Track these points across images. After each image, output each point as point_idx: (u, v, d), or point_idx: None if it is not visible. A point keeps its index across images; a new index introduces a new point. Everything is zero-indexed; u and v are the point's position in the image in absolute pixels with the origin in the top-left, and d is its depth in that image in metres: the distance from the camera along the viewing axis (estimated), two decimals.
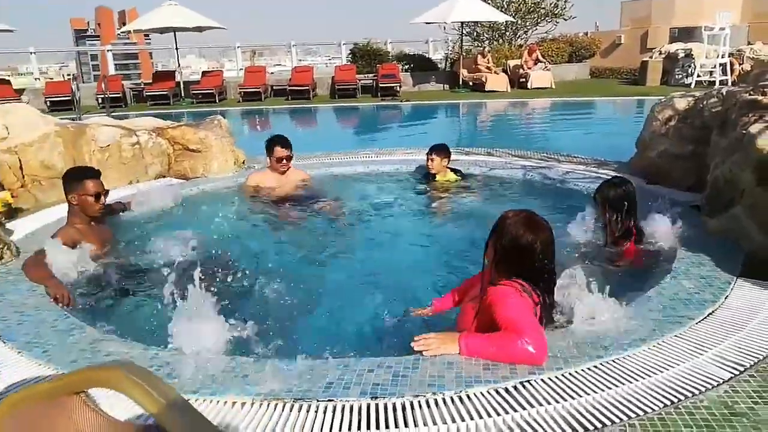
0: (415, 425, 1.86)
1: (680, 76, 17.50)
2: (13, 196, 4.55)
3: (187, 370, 2.20)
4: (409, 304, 3.02)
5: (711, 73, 16.25)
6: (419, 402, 1.98)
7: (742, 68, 16.68)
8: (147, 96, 17.25)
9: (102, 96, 15.19)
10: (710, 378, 2.06)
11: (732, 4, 20.43)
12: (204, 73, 19.11)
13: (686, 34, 19.85)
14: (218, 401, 2.02)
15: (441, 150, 5.42)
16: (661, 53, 18.53)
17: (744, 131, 3.27)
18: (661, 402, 1.93)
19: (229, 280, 2.98)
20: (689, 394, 1.97)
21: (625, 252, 3.52)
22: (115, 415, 0.88)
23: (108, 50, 22.43)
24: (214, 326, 2.41)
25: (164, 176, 5.69)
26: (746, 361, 2.16)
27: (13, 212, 4.46)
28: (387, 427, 1.86)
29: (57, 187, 4.97)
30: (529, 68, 18.05)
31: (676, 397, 1.96)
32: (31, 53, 20.13)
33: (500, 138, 10.75)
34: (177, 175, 5.68)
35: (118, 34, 23.36)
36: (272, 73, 23.80)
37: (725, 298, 2.70)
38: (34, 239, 3.87)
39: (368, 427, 1.86)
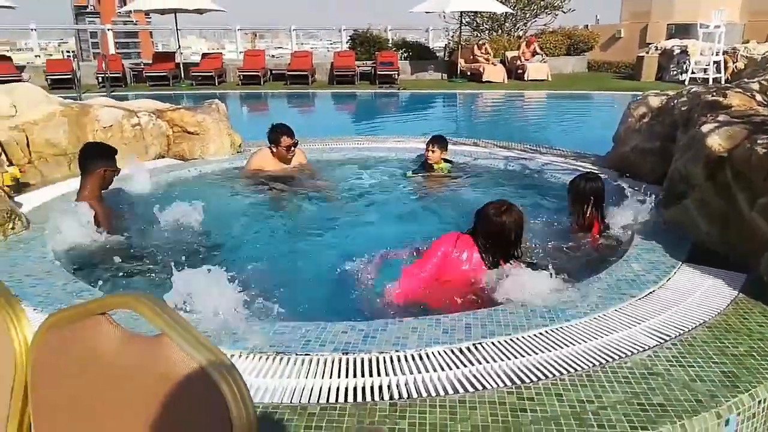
0: (378, 375, 2.17)
1: (675, 72, 17.73)
2: (21, 172, 4.82)
3: None
4: (390, 275, 3.31)
5: (705, 70, 16.50)
6: (384, 357, 2.29)
7: (735, 66, 16.93)
8: (147, 76, 17.43)
9: (102, 75, 15.39)
10: (637, 345, 2.37)
11: (730, 2, 20.62)
12: (204, 56, 19.27)
13: (683, 30, 20.06)
14: None
15: (440, 142, 5.69)
16: (657, 49, 18.75)
17: (698, 129, 3.57)
18: (591, 363, 2.24)
19: (221, 251, 3.28)
20: (616, 358, 2.28)
21: (588, 240, 3.84)
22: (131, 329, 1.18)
23: (108, 29, 22.52)
24: (208, 290, 2.70)
25: (163, 157, 5.96)
26: (672, 332, 2.47)
27: (21, 187, 4.74)
28: (354, 376, 2.17)
29: (61, 164, 5.28)
30: (527, 60, 18.27)
31: (604, 359, 2.27)
32: (32, 30, 20.25)
33: (491, 128, 11.04)
34: (175, 156, 5.96)
35: (118, 13, 23.35)
36: (273, 56, 23.97)
37: (667, 280, 3.01)
38: (42, 211, 4.17)
39: (338, 376, 2.17)
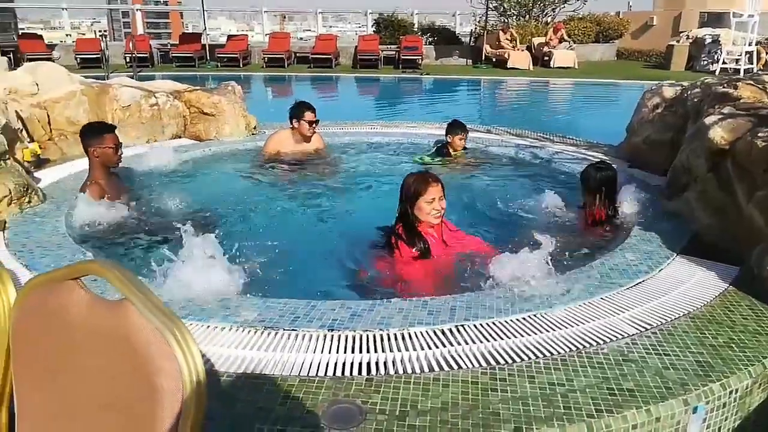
0: (360, 352, 2.25)
1: (706, 62, 17.30)
2: (41, 148, 5.00)
3: (181, 300, 2.61)
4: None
5: (737, 60, 16.07)
6: (368, 335, 2.37)
7: None
8: (173, 57, 17.66)
9: (130, 55, 15.65)
10: (616, 332, 2.41)
11: None
12: (229, 37, 19.43)
13: (716, 19, 19.52)
14: (203, 325, 2.43)
15: (465, 129, 5.71)
16: (688, 38, 18.31)
17: (702, 121, 3.54)
18: (567, 348, 2.29)
19: (224, 228, 3.40)
20: (594, 344, 2.32)
21: (594, 229, 3.84)
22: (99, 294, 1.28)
23: (137, 9, 22.81)
24: (205, 264, 2.81)
25: (180, 137, 6.10)
26: (653, 321, 2.50)
27: (40, 162, 4.91)
28: (337, 352, 2.26)
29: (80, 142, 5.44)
30: (554, 47, 18.01)
31: (581, 345, 2.32)
32: (63, 9, 20.63)
33: (511, 116, 10.97)
34: (191, 137, 6.09)
35: None
36: (301, 38, 24.05)
37: (659, 270, 3.03)
38: (59, 187, 4.34)
39: (322, 351, 2.26)
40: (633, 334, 2.40)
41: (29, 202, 3.89)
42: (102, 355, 1.20)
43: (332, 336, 2.37)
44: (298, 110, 5.49)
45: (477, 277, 3.02)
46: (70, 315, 1.26)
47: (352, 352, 2.27)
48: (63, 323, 1.26)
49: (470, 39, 20.93)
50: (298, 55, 18.58)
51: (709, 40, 17.51)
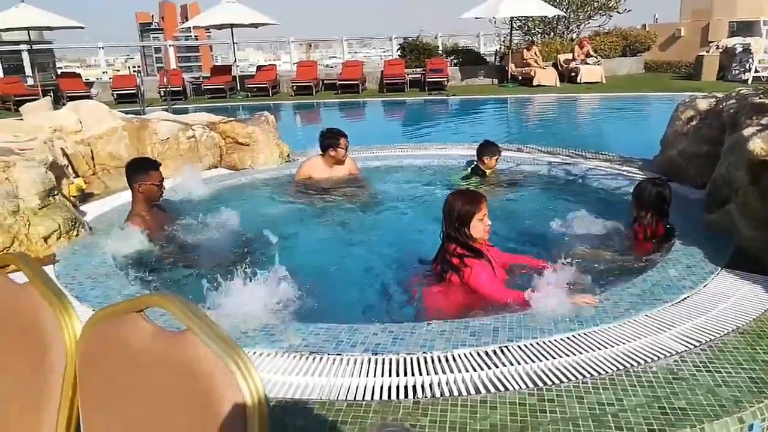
0: (405, 375, 2.27)
1: (737, 71, 17.02)
2: (86, 183, 5.18)
3: (226, 328, 2.67)
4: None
5: None
6: (412, 358, 2.39)
7: None
8: (205, 89, 18.13)
9: (164, 89, 16.13)
10: (665, 350, 2.37)
11: None
12: (258, 68, 19.86)
13: (746, 28, 19.24)
14: (249, 352, 2.48)
15: (497, 149, 5.66)
16: (718, 47, 18.06)
17: (740, 133, 3.50)
18: (615, 367, 2.27)
19: (265, 255, 3.46)
20: (642, 362, 2.30)
21: (642, 247, 3.74)
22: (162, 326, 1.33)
23: (170, 45, 23.55)
24: (252, 295, 2.87)
25: (216, 167, 6.25)
26: (701, 338, 2.45)
27: (85, 197, 5.08)
28: (382, 375, 2.28)
29: (123, 175, 5.61)
30: (580, 63, 17.95)
31: (630, 363, 2.29)
32: (99, 48, 21.43)
33: (539, 133, 10.92)
34: (227, 166, 6.24)
35: (180, 29, 24.48)
36: (327, 65, 24.46)
37: (704, 285, 2.98)
38: (104, 219, 4.49)
39: (367, 375, 2.28)
40: (681, 352, 2.36)
41: (77, 235, 4.03)
42: (165, 383, 1.24)
43: (376, 359, 2.39)
44: (333, 139, 5.54)
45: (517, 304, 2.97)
46: (134, 346, 1.31)
47: (397, 375, 2.28)
48: (127, 354, 1.32)
49: (495, 58, 21.00)
50: (325, 82, 18.89)
51: (739, 49, 17.25)
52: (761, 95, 4.15)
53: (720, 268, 3.17)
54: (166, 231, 4.15)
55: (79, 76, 18.66)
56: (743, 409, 1.97)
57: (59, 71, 21.77)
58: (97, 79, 20.71)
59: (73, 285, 3.29)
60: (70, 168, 5.11)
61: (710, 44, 18.90)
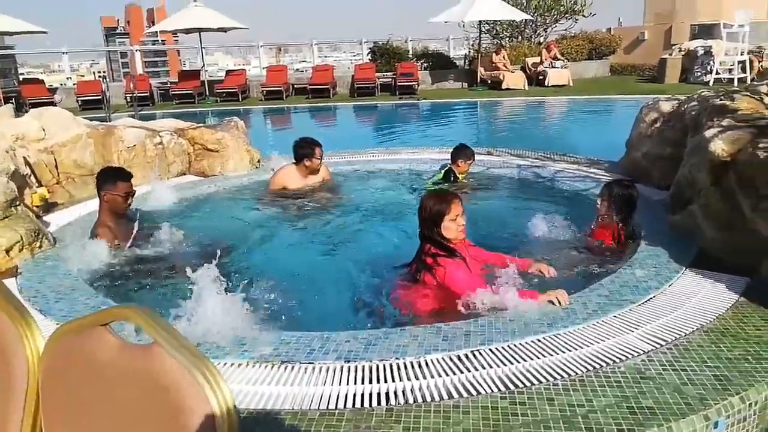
0: (377, 382, 2.26)
1: (699, 73, 17.45)
2: (49, 192, 5.06)
3: (196, 339, 2.63)
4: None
5: (730, 70, 16.23)
6: (384, 365, 2.39)
7: (762, 66, 16.65)
8: (173, 95, 17.88)
9: (130, 95, 15.86)
10: (632, 350, 2.42)
11: (756, 1, 20.23)
12: (227, 72, 19.68)
13: (706, 30, 19.77)
14: (220, 363, 2.44)
15: (471, 153, 5.68)
16: (680, 50, 18.51)
17: (702, 135, 3.59)
18: (585, 368, 2.30)
19: (234, 264, 3.42)
20: (610, 362, 2.33)
21: (603, 248, 3.82)
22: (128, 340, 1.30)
23: (136, 50, 23.18)
24: (219, 302, 2.82)
25: (185, 174, 6.17)
26: (668, 337, 2.51)
27: (49, 206, 4.96)
28: (355, 383, 2.27)
29: (88, 184, 5.50)
30: (547, 66, 18.22)
31: (599, 364, 2.33)
32: (63, 53, 20.98)
33: (509, 136, 11.05)
34: (196, 173, 6.16)
35: (146, 33, 24.10)
36: (297, 70, 24.35)
37: (669, 285, 3.05)
38: (69, 230, 4.38)
39: (339, 383, 2.27)
40: (648, 351, 2.41)
41: (40, 246, 3.93)
42: (132, 397, 1.22)
43: (349, 367, 2.38)
44: (308, 149, 5.50)
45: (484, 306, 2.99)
46: (99, 360, 1.28)
47: (370, 382, 2.28)
48: (93, 368, 1.29)
49: (464, 62, 21.18)
50: (295, 86, 18.80)
51: (701, 52, 17.70)
52: (722, 97, 4.27)
53: (684, 268, 3.25)
54: (133, 241, 4.07)
55: (42, 82, 18.24)
56: (708, 406, 2.02)
57: (21, 77, 21.23)
58: (61, 85, 20.27)
59: (37, 298, 3.21)
60: (32, 177, 4.98)
61: (673, 47, 19.36)
